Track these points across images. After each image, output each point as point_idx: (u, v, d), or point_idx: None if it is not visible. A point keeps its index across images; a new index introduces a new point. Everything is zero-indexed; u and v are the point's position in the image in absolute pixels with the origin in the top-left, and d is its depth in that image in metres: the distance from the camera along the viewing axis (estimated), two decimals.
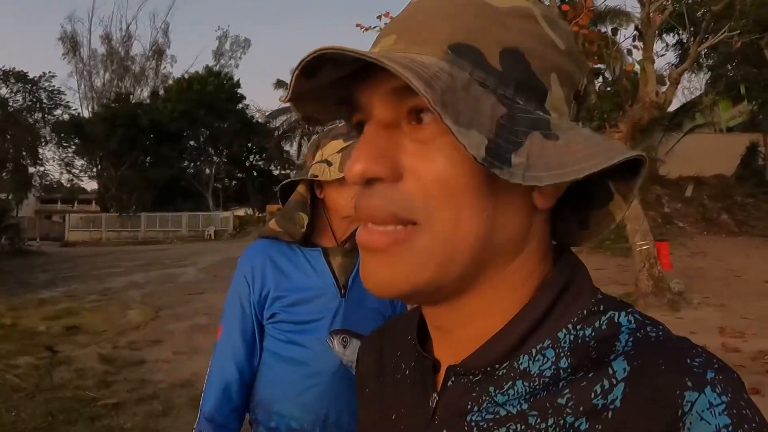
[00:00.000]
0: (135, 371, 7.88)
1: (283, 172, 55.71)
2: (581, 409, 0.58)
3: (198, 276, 18.31)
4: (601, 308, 0.66)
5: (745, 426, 0.52)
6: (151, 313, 12.09)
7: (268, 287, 1.95)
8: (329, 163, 1.89)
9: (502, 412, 0.63)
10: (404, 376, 0.81)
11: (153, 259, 24.67)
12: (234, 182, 55.46)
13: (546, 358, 0.63)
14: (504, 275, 0.67)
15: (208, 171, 51.90)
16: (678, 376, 0.55)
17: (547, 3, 11.44)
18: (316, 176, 1.92)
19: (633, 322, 0.64)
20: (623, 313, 0.65)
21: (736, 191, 23.03)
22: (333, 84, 0.66)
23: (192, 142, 52.02)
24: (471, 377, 0.67)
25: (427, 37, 0.61)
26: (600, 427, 0.57)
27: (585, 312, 0.65)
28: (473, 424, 0.65)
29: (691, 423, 0.52)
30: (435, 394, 0.71)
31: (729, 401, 0.53)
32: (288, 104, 0.69)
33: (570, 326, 0.64)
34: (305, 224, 1.97)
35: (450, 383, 0.70)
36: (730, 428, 0.51)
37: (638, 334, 0.62)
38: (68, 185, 51.32)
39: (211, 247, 30.97)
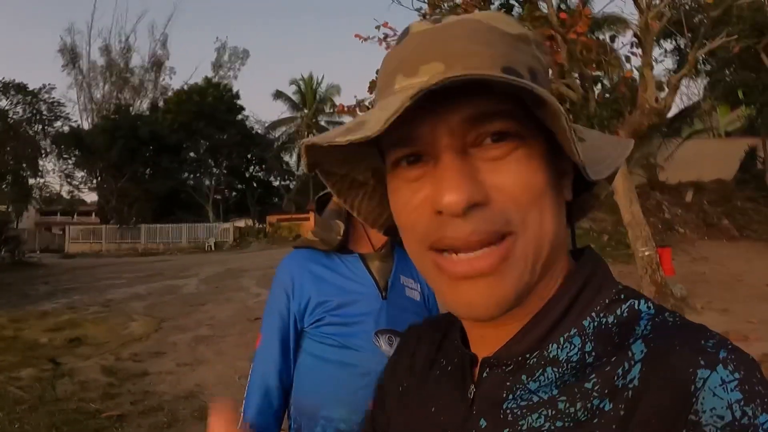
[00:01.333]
0: (138, 383, 7.88)
1: (282, 183, 55.82)
2: (606, 391, 0.62)
3: (199, 287, 18.29)
4: (622, 297, 0.71)
5: (757, 401, 0.55)
6: (153, 325, 12.08)
7: (308, 295, 2.01)
8: None
9: (535, 399, 0.67)
10: (444, 372, 0.84)
11: (154, 271, 24.65)
12: (234, 193, 55.47)
13: (573, 345, 0.68)
14: (554, 268, 0.72)
15: (207, 182, 51.93)
16: (691, 355, 0.59)
17: (545, 11, 11.49)
18: None
19: (652, 308, 0.69)
20: (643, 301, 0.70)
21: (736, 196, 23.00)
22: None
23: (192, 154, 52.07)
24: (504, 368, 0.71)
25: (479, 63, 0.64)
26: (622, 406, 0.60)
27: (607, 301, 0.70)
28: (508, 411, 0.68)
29: (704, 398, 0.56)
30: (472, 386, 0.75)
31: (741, 378, 0.56)
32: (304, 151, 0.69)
33: (594, 314, 0.69)
34: (341, 232, 2.05)
35: (485, 375, 0.73)
36: (742, 403, 0.55)
37: (657, 319, 0.67)
38: (68, 197, 51.27)
39: (211, 259, 30.96)
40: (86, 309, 14.59)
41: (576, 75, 12.11)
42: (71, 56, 54.93)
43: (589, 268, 0.74)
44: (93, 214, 55.61)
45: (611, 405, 0.61)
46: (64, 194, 50.09)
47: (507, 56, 0.65)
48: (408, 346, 0.98)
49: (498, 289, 0.65)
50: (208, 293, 16.92)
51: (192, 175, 53.28)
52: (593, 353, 0.66)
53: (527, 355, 0.70)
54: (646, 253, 11.30)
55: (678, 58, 27.20)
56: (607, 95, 12.24)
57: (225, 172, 52.79)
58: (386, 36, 12.71)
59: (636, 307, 0.69)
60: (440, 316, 0.97)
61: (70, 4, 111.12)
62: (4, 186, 35.47)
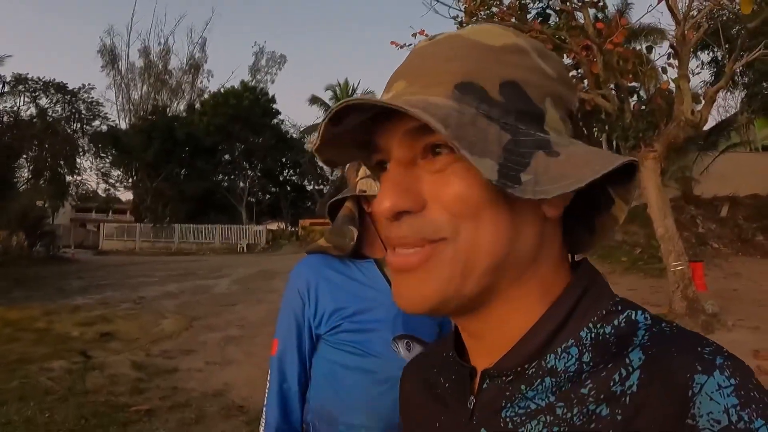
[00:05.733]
0: (167, 379, 7.97)
1: (316, 187, 55.97)
2: (602, 396, 0.64)
3: (231, 288, 18.45)
4: (619, 308, 0.72)
5: (753, 406, 0.57)
6: (184, 323, 12.21)
7: (325, 301, 2.00)
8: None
9: (533, 406, 0.68)
10: (444, 389, 0.87)
11: (186, 270, 24.87)
12: (267, 196, 55.77)
13: (570, 356, 0.69)
14: (524, 280, 0.73)
15: (242, 185, 52.30)
16: (689, 361, 0.61)
17: (582, 21, 11.43)
18: (365, 191, 1.99)
19: (649, 319, 0.70)
20: (640, 312, 0.71)
21: None
22: (354, 129, 0.72)
23: (227, 156, 52.54)
24: (503, 378, 0.73)
25: (435, 80, 0.69)
26: (619, 411, 0.62)
27: (604, 312, 0.71)
28: (507, 419, 0.70)
29: (701, 403, 0.57)
30: (472, 397, 0.77)
31: (737, 384, 0.58)
32: (312, 150, 0.76)
33: (591, 325, 0.70)
34: (355, 237, 2.03)
35: (485, 385, 0.75)
36: (738, 408, 0.56)
37: (654, 329, 0.68)
38: (104, 195, 52.02)
39: (243, 260, 31.15)
40: (118, 305, 14.80)
41: (612, 86, 12.02)
42: (110, 57, 55.63)
43: (586, 279, 0.76)
44: (128, 213, 56.20)
45: (608, 410, 0.63)
46: (100, 192, 50.85)
47: (473, 71, 0.69)
48: (419, 369, 1.02)
49: (422, 286, 0.70)
50: (239, 294, 17.06)
51: (226, 177, 53.76)
52: (591, 363, 0.68)
53: (526, 366, 0.71)
54: (679, 268, 11.16)
55: (715, 70, 26.89)
56: (643, 107, 12.09)
57: (259, 174, 53.17)
58: None
59: (633, 317, 0.70)
60: (433, 344, 1.05)
61: (110, 6, 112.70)
62: (41, 182, 36.05)
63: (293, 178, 57.08)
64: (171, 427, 6.10)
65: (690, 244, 18.25)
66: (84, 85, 39.59)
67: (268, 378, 2.04)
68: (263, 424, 1.99)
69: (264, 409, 2.02)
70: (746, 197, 23.79)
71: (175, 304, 15.01)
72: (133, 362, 8.76)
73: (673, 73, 11.52)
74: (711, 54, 26.70)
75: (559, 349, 0.70)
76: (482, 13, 12.49)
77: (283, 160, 54.42)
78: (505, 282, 0.71)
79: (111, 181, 48.24)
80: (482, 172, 0.60)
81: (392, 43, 12.72)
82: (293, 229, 47.71)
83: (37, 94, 37.11)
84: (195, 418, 6.37)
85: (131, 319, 12.55)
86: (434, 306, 0.70)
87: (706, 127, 15.36)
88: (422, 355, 1.05)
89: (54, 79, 37.74)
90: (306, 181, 57.44)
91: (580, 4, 11.48)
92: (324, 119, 0.68)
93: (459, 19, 12.89)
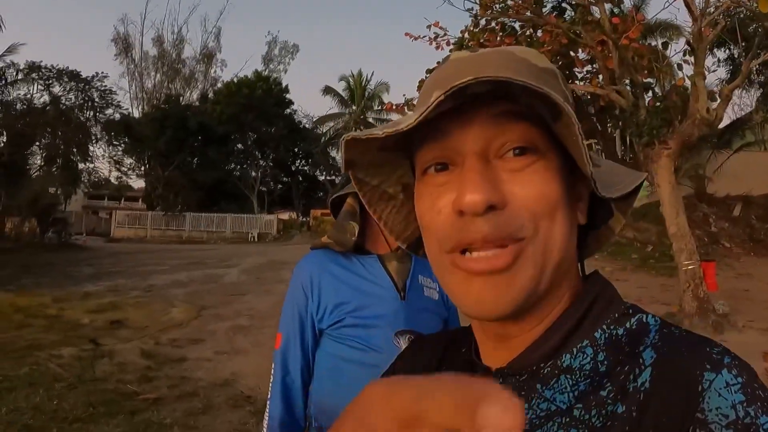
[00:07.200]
0: (176, 368, 8.01)
1: (328, 177, 55.99)
2: (618, 396, 0.66)
3: (240, 277, 18.47)
4: (631, 311, 0.76)
5: (758, 403, 0.60)
6: (193, 312, 12.26)
7: (328, 296, 2.03)
8: None
9: (552, 408, 0.69)
10: None
11: (196, 259, 24.94)
12: (279, 186, 55.84)
13: (585, 355, 0.72)
14: (564, 282, 0.76)
15: (254, 174, 52.32)
16: (698, 360, 0.65)
17: (597, 16, 11.36)
18: None
19: (659, 321, 0.75)
20: (650, 315, 0.76)
21: None
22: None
23: (239, 146, 52.57)
24: (518, 377, 0.74)
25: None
26: (634, 408, 0.64)
27: (617, 315, 0.76)
28: (525, 421, 0.69)
29: (710, 398, 0.61)
30: None
31: (744, 381, 0.62)
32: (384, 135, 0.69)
33: (605, 327, 0.74)
34: (356, 232, 2.05)
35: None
36: (745, 404, 0.60)
37: (664, 330, 0.72)
38: (116, 183, 52.05)
39: (254, 250, 31.21)
40: (128, 293, 14.89)
41: (627, 81, 11.95)
42: (124, 46, 55.63)
43: (599, 286, 0.79)
44: (139, 200, 56.40)
45: (623, 407, 0.65)
46: (112, 180, 50.80)
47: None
48: (407, 355, 1.03)
49: (510, 287, 0.69)
50: (248, 284, 17.08)
51: (238, 167, 53.79)
52: (605, 362, 0.70)
53: (541, 365, 0.73)
54: (690, 267, 11.08)
55: (731, 67, 26.69)
56: (658, 103, 12.00)
57: (271, 164, 53.21)
58: (436, 36, 12.71)
59: (644, 320, 0.74)
60: (453, 330, 1.02)
61: None
62: (54, 169, 36.16)
63: (305, 168, 57.14)
64: (178, 416, 6.12)
65: (702, 243, 18.16)
66: (97, 74, 39.43)
67: (272, 371, 2.07)
68: (267, 418, 2.02)
69: (268, 402, 2.05)
70: (759, 197, 23.57)
71: (184, 293, 15.05)
72: (142, 350, 8.82)
73: (688, 69, 11.44)
74: (727, 51, 26.52)
75: (575, 349, 0.72)
76: (497, 5, 12.44)
77: (296, 150, 54.45)
78: (555, 283, 0.74)
79: (123, 169, 48.18)
80: (589, 166, 0.67)
81: (406, 34, 12.72)
82: (304, 219, 47.78)
83: (50, 81, 37.11)
84: (202, 408, 6.40)
85: (141, 307, 12.62)
86: (519, 308, 0.71)
87: (720, 126, 15.25)
88: (432, 339, 1.04)
89: (67, 67, 37.71)
90: (318, 172, 57.51)
91: None
92: (441, 95, 0.62)
93: (474, 11, 12.85)
